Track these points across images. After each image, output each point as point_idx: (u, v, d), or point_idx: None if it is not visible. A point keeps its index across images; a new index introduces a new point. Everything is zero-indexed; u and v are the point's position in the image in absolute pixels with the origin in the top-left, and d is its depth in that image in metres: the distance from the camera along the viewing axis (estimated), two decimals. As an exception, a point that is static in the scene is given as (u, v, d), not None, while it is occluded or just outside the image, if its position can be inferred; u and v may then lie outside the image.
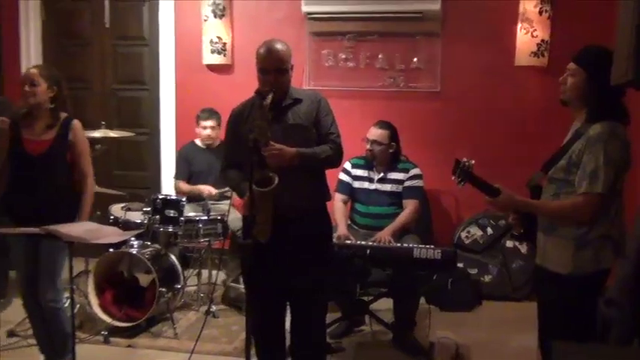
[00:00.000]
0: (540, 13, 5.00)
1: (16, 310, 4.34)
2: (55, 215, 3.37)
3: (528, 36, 5.04)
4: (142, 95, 6.24)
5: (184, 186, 5.24)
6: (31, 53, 6.14)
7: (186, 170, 5.30)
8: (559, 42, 5.08)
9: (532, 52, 5.06)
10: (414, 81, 5.42)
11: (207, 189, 5.03)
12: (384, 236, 4.04)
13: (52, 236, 3.12)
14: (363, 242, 3.96)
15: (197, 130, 5.42)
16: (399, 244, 3.97)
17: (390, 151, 4.34)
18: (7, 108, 3.95)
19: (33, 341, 3.77)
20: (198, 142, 5.47)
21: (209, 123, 5.28)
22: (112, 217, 4.71)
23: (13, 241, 3.61)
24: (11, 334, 4.19)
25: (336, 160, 3.30)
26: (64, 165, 3.47)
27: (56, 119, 3.48)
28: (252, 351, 2.99)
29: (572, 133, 2.61)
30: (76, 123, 3.55)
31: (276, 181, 2.89)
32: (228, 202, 4.96)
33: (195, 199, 5.17)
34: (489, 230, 4.99)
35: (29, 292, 3.55)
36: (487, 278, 4.90)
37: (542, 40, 5.08)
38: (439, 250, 3.76)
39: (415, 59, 5.31)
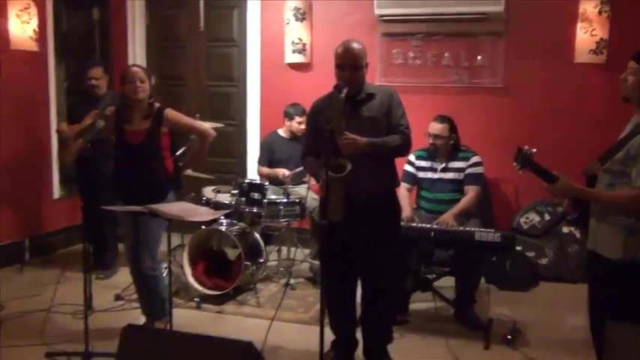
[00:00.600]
0: (600, 13, 4.87)
1: (124, 277, 4.56)
2: (151, 193, 3.54)
3: (587, 35, 4.91)
4: (231, 91, 6.29)
5: (264, 169, 5.29)
6: (137, 53, 6.30)
7: (268, 157, 5.31)
8: (618, 40, 4.93)
9: (591, 50, 4.92)
10: (478, 77, 5.32)
11: (282, 171, 5.05)
12: (448, 219, 4.00)
13: (154, 214, 3.23)
14: (427, 225, 3.92)
15: (287, 123, 5.35)
16: (461, 228, 3.91)
17: (451, 142, 4.29)
18: (115, 101, 4.20)
19: (137, 304, 3.94)
20: (280, 132, 5.47)
21: (298, 117, 5.22)
22: (204, 198, 4.82)
23: (121, 217, 3.87)
24: (118, 297, 4.39)
25: (404, 150, 3.27)
26: (158, 150, 3.59)
27: (152, 110, 3.63)
28: (326, 320, 3.06)
29: (632, 127, 2.53)
30: (168, 111, 3.67)
31: (349, 167, 2.87)
32: (305, 186, 4.99)
33: (276, 183, 5.25)
34: (547, 216, 4.89)
35: (133, 261, 3.75)
36: (544, 261, 4.81)
37: (601, 39, 4.91)
38: (499, 234, 3.69)
39: (479, 57, 5.21)
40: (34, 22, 5.20)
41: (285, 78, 5.94)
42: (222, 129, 5.67)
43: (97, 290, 4.31)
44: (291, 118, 5.29)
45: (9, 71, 5.14)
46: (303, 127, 5.13)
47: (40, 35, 5.35)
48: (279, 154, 5.34)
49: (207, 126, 4.04)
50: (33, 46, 5.27)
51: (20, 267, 5.07)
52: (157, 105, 3.77)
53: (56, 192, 5.80)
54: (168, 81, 6.44)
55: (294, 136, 5.34)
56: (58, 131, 5.16)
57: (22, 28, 5.13)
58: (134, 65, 3.89)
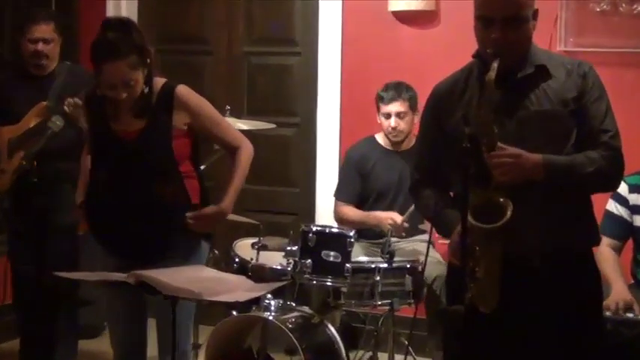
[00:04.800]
0: None
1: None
2: (164, 243, 3.61)
3: None
4: (289, 62, 6.03)
5: (352, 212, 5.03)
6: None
7: (357, 186, 5.06)
8: None
9: None
10: None
11: (389, 217, 4.81)
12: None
13: (148, 288, 3.15)
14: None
15: (378, 118, 5.07)
16: None
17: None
18: (76, 81, 4.59)
19: None
20: (379, 138, 5.07)
21: (395, 107, 4.91)
22: (236, 260, 4.61)
23: (110, 293, 3.80)
24: None
25: (612, 177, 3.11)
26: (170, 158, 3.72)
27: (149, 100, 3.72)
28: None
29: None
30: (182, 89, 3.72)
31: (510, 210, 2.82)
32: (422, 238, 4.83)
33: (369, 233, 4.90)
34: None
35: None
36: None
37: None
38: None
39: None
40: None
41: (389, 38, 5.64)
42: (271, 132, 5.41)
43: None
44: (378, 109, 5.15)
45: None
46: (393, 123, 5.02)
47: None
48: (377, 180, 5.05)
49: (242, 135, 3.84)
50: None
51: None
52: (161, 81, 3.66)
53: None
54: (178, 45, 6.28)
55: (397, 145, 5.10)
56: None
57: None
58: (111, 35, 3.55)
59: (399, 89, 5.05)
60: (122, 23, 3.61)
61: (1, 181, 4.57)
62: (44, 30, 4.85)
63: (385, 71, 5.46)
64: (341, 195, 5.19)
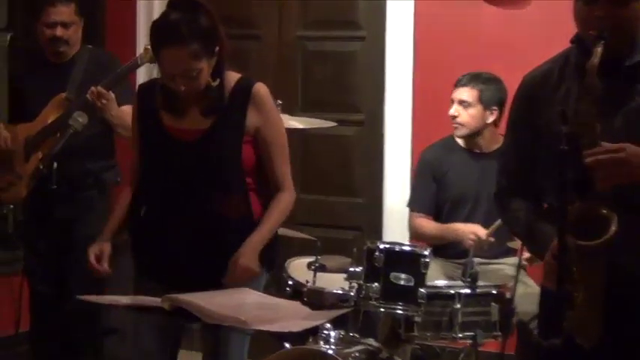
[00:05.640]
0: None
1: None
2: (221, 265, 3.52)
3: None
4: (351, 48, 5.91)
5: (429, 225, 4.92)
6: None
7: (433, 195, 4.97)
8: None
9: None
10: None
11: (472, 231, 4.73)
12: None
13: (183, 315, 3.08)
14: None
15: (455, 105, 5.06)
16: None
17: None
18: (100, 70, 4.74)
19: None
20: (459, 139, 4.97)
21: (460, 94, 4.88)
22: (290, 283, 4.52)
23: (144, 324, 3.71)
24: None
25: None
26: (238, 167, 3.75)
27: (222, 95, 3.75)
28: None
29: None
30: (260, 87, 3.73)
31: (615, 223, 2.70)
32: (512, 261, 4.72)
33: (448, 252, 4.82)
34: None
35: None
36: None
37: None
38: None
39: None
40: None
41: (470, 20, 5.56)
42: (329, 131, 5.40)
43: None
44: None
45: None
46: (465, 117, 4.97)
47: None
48: (454, 186, 4.94)
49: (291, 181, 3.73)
50: None
51: None
52: (235, 76, 3.61)
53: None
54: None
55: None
56: None
57: None
58: (174, 16, 3.45)
59: (476, 77, 4.99)
60: (190, 2, 3.49)
61: (16, 188, 4.47)
62: (63, 12, 4.80)
63: (466, 59, 5.34)
64: (416, 205, 5.03)
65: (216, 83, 3.49)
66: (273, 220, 3.69)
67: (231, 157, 3.55)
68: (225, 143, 3.56)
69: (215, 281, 3.36)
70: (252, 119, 3.55)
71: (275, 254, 3.74)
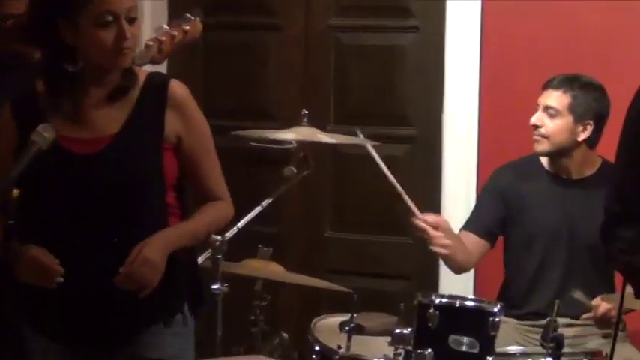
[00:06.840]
0: None
1: None
2: (138, 307, 3.29)
3: None
4: (400, 42, 5.39)
5: (467, 238, 4.54)
6: None
7: (498, 220, 4.60)
8: None
9: None
10: None
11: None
12: None
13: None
14: None
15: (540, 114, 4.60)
16: None
17: None
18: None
19: None
20: (543, 158, 4.55)
21: (546, 98, 4.47)
22: (317, 348, 4.10)
23: None
24: None
25: None
26: (158, 184, 3.56)
27: (131, 80, 3.61)
28: None
29: None
30: (177, 86, 3.58)
31: None
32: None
33: (524, 308, 4.46)
34: None
35: None
36: None
37: None
38: None
39: None
40: None
41: (554, 10, 5.10)
42: (375, 151, 4.63)
43: None
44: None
45: None
46: (549, 128, 4.52)
47: None
48: (535, 219, 4.55)
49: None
50: None
51: None
52: (144, 71, 3.39)
53: None
54: (233, 17, 5.86)
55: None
56: None
57: None
58: None
59: (571, 79, 4.59)
60: None
61: None
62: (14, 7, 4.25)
63: (550, 58, 4.96)
64: (469, 224, 4.69)
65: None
66: (201, 223, 3.51)
67: (149, 170, 3.37)
68: (140, 152, 3.29)
69: (130, 339, 3.22)
70: (171, 125, 3.37)
71: (199, 288, 3.47)
